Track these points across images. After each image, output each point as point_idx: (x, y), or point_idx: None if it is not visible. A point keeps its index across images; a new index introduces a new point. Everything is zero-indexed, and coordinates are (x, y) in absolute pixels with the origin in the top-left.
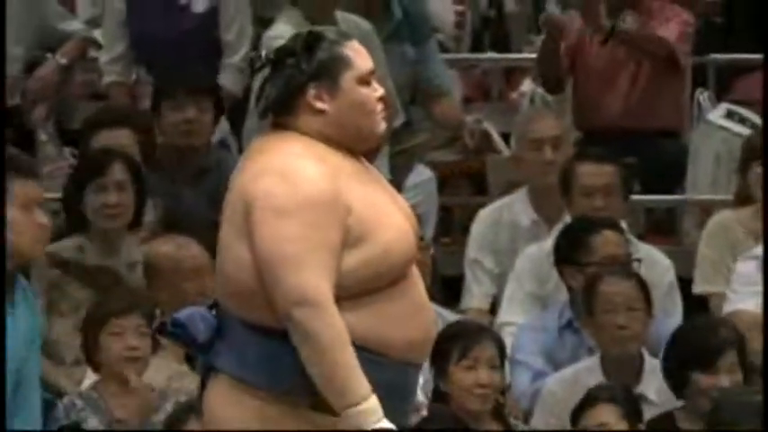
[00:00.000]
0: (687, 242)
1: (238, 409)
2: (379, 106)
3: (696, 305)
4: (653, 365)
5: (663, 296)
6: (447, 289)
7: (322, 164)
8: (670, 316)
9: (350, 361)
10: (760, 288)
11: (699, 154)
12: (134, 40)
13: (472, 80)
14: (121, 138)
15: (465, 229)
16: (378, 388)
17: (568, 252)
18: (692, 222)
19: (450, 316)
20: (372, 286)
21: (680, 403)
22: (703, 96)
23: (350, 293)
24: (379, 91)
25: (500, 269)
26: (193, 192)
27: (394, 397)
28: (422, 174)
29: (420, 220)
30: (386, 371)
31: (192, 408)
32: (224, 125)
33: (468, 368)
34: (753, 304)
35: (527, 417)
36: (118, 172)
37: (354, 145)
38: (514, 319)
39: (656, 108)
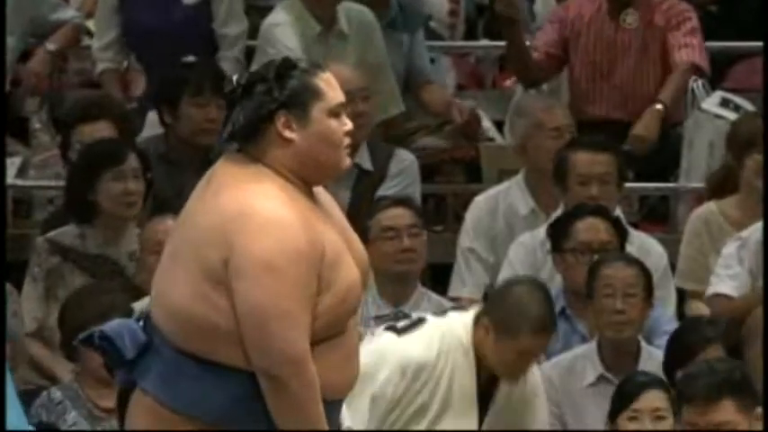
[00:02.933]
0: (681, 230)
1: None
2: (346, 140)
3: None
4: (649, 353)
5: (656, 284)
6: (439, 277)
7: (296, 209)
8: (663, 303)
9: (320, 413)
10: (738, 270)
11: (693, 142)
12: (126, 30)
13: (466, 68)
14: (102, 130)
15: (458, 217)
16: None
17: (555, 239)
18: (685, 210)
19: (445, 302)
20: (326, 334)
21: None
22: (697, 84)
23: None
24: (348, 125)
25: (495, 258)
26: (195, 182)
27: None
28: (403, 159)
29: (412, 203)
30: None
31: None
32: None
33: None
34: (730, 288)
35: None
36: (133, 160)
37: (314, 177)
38: None
39: (651, 98)
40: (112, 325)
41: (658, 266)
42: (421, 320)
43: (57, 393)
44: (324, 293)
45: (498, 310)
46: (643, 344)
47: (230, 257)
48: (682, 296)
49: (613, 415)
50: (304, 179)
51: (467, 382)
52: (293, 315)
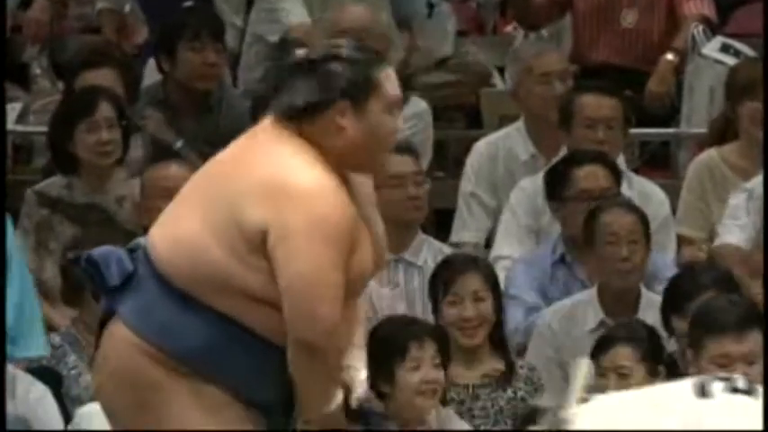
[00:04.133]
0: (682, 176)
1: (133, 364)
2: (393, 140)
3: None
4: (649, 299)
5: (657, 230)
6: (441, 222)
7: (337, 185)
8: (664, 250)
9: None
10: (746, 221)
11: (694, 87)
12: None
13: (467, 14)
14: (105, 77)
15: (459, 163)
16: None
17: (553, 186)
18: (686, 156)
19: (446, 249)
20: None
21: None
22: (698, 30)
23: None
24: (399, 124)
25: (496, 203)
26: (194, 127)
27: None
28: (417, 105)
29: (415, 150)
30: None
31: None
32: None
33: (452, 303)
34: (737, 238)
35: (521, 351)
36: (105, 110)
37: (356, 169)
38: (509, 252)
39: (654, 46)
40: (101, 251)
41: (659, 212)
42: None
43: (56, 338)
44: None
45: None
46: (643, 290)
47: (271, 227)
48: (681, 242)
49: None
50: (343, 166)
51: None
52: (338, 285)
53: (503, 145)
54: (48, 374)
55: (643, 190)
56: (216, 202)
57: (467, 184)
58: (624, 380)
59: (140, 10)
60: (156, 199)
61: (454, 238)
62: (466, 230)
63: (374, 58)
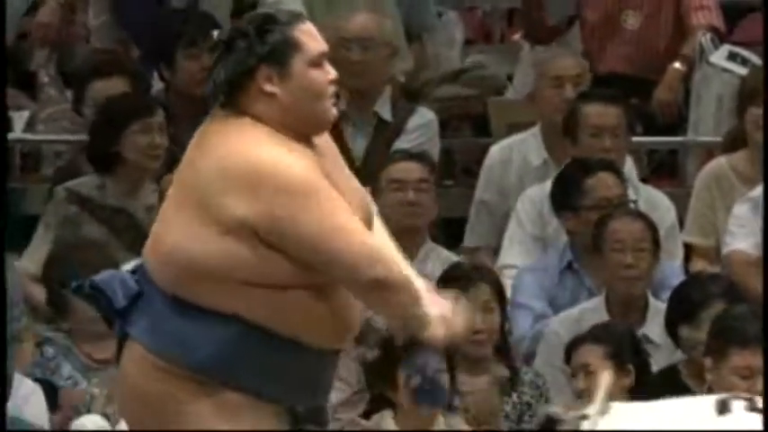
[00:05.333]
0: (689, 184)
1: (150, 381)
2: (331, 89)
3: None
4: (656, 307)
5: (664, 238)
6: (449, 231)
7: (290, 149)
8: (671, 258)
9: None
10: (754, 229)
11: (701, 96)
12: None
13: (474, 22)
14: (116, 86)
15: (467, 171)
16: (295, 373)
17: (563, 195)
18: (694, 164)
19: (454, 257)
20: (321, 279)
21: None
22: (706, 38)
23: (302, 282)
24: (331, 73)
25: (506, 208)
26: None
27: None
28: (424, 116)
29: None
30: (307, 358)
31: None
32: None
33: None
34: (747, 245)
35: (528, 359)
36: (159, 114)
37: (305, 129)
38: (515, 261)
39: (661, 55)
40: (103, 276)
41: (666, 220)
42: None
43: (49, 350)
44: None
45: None
46: (651, 298)
47: (255, 218)
48: (690, 251)
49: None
50: (293, 131)
51: None
52: (346, 225)
53: (517, 150)
54: (43, 386)
55: (650, 198)
56: (185, 196)
57: (478, 190)
58: (592, 378)
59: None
60: None
61: (465, 243)
62: (475, 237)
63: (290, 18)
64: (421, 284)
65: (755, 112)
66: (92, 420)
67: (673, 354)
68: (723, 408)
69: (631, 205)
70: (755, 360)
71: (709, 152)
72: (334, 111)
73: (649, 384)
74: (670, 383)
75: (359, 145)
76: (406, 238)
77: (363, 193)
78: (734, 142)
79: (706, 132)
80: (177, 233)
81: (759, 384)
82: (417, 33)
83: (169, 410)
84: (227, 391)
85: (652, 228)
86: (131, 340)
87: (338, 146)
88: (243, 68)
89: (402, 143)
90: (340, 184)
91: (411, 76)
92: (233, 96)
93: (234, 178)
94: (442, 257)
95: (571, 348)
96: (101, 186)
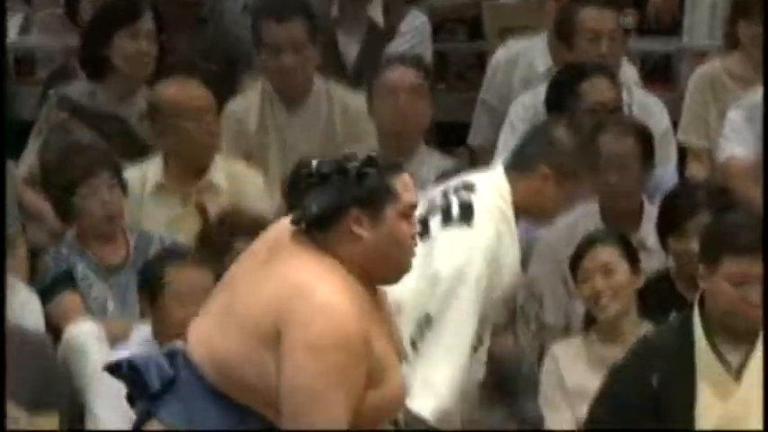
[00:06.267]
0: (683, 89)
1: None
2: (413, 243)
3: None
4: (651, 212)
5: (657, 143)
6: (442, 135)
7: (354, 300)
8: (664, 163)
9: None
10: (749, 135)
11: (696, 1)
12: None
13: None
14: None
15: (460, 76)
16: None
17: (558, 99)
18: (688, 69)
19: (448, 162)
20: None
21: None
22: None
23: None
24: (415, 228)
25: (507, 111)
26: (190, 41)
27: None
28: (416, 17)
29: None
30: None
31: (174, 253)
32: None
33: None
34: (742, 151)
35: (522, 264)
36: (148, 21)
37: (381, 275)
38: None
39: None
40: (141, 357)
41: (660, 125)
42: (469, 204)
43: (63, 250)
44: (373, 388)
45: (554, 155)
46: (646, 203)
47: (283, 332)
48: (684, 153)
49: (573, 273)
50: (367, 276)
51: (510, 244)
52: (331, 400)
53: (523, 54)
54: (63, 278)
55: (643, 102)
56: (238, 307)
57: (482, 89)
58: (610, 277)
59: None
60: (169, 117)
61: (469, 141)
62: (476, 135)
63: (390, 165)
64: None
65: (747, 26)
66: (86, 326)
67: (667, 260)
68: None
69: (626, 109)
70: (748, 267)
71: (703, 56)
72: (410, 265)
73: (643, 289)
74: (664, 288)
75: (352, 50)
76: (400, 143)
77: (399, 381)
78: (734, 44)
79: (700, 37)
80: (229, 346)
81: (752, 292)
82: None
83: None
84: None
85: (643, 140)
86: (153, 422)
87: (331, 55)
88: (337, 206)
89: (395, 47)
90: (385, 351)
91: None
92: (319, 229)
93: (280, 299)
94: (437, 162)
95: (582, 251)
96: (92, 93)
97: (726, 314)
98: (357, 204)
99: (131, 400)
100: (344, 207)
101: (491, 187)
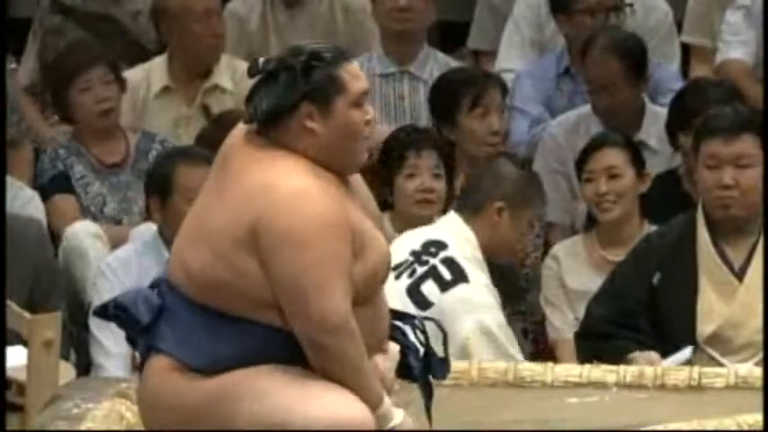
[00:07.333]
0: None
1: (171, 386)
2: (367, 130)
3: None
4: (653, 112)
5: (661, 41)
6: (446, 34)
7: (323, 186)
8: (668, 60)
9: (371, 369)
10: (747, 38)
11: None
12: None
13: None
14: None
15: None
16: None
17: None
18: None
19: (452, 62)
20: (354, 302)
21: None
22: None
23: None
24: (369, 114)
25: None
26: None
27: None
28: None
29: None
30: None
31: (183, 152)
32: None
33: (482, 116)
34: (741, 53)
35: (526, 163)
36: None
37: (336, 168)
38: (512, 65)
39: None
40: (127, 294)
41: (663, 23)
42: (452, 260)
43: (61, 150)
44: (355, 263)
45: (502, 187)
46: (647, 102)
47: (258, 231)
48: (687, 53)
49: (579, 173)
50: (323, 166)
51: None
52: (327, 284)
53: None
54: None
55: (646, 1)
56: (210, 222)
57: None
58: (615, 180)
59: None
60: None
61: (470, 44)
62: (481, 37)
63: (335, 56)
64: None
65: None
66: (85, 227)
67: (670, 161)
68: None
69: (627, 9)
70: (722, 148)
71: None
72: (365, 154)
73: (650, 188)
74: (670, 188)
75: None
76: (404, 44)
77: (383, 242)
78: None
79: None
80: (203, 259)
81: (725, 175)
82: None
83: (198, 405)
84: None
85: (629, 56)
86: (155, 355)
87: None
88: (286, 103)
89: None
90: (363, 226)
91: None
92: (271, 126)
93: (255, 196)
94: (440, 61)
95: (589, 152)
96: None
97: (708, 205)
98: (306, 99)
99: (132, 341)
100: (294, 103)
101: (458, 237)
